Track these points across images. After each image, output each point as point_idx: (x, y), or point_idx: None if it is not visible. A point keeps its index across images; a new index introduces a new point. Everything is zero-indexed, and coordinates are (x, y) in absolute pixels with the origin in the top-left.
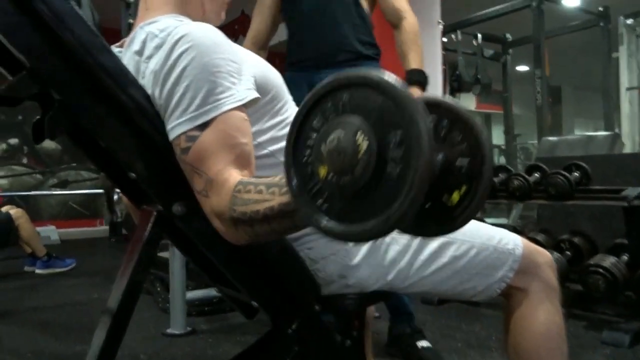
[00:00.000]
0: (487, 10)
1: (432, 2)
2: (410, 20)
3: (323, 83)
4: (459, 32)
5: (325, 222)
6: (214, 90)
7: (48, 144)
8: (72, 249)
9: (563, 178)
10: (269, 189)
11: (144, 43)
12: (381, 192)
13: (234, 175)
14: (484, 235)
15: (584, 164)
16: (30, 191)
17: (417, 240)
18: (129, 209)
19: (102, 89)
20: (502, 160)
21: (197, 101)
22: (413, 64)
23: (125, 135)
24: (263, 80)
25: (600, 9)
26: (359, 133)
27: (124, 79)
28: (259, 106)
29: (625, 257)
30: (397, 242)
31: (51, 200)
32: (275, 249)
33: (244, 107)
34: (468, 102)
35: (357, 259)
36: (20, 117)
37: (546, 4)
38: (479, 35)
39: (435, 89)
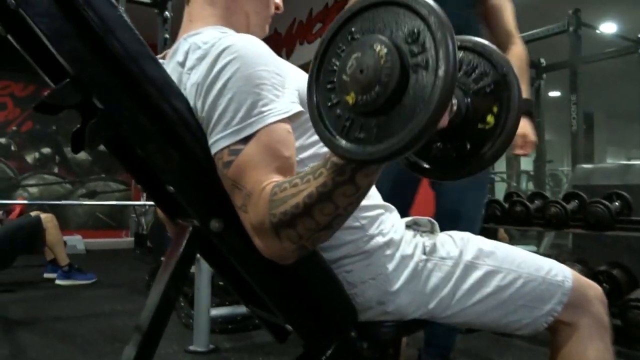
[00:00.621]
0: (522, 34)
1: None
2: (519, 46)
3: (331, 24)
4: None
5: (343, 144)
6: (257, 103)
7: (79, 154)
8: (97, 259)
9: (603, 207)
10: (303, 179)
11: (186, 54)
12: (406, 105)
13: (271, 183)
14: (532, 265)
15: (625, 194)
16: (59, 200)
17: (460, 268)
18: (163, 221)
19: (146, 98)
20: (530, 186)
21: (240, 114)
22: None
23: (166, 147)
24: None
25: (639, 36)
26: (376, 45)
27: (169, 89)
28: (301, 121)
29: None
30: (439, 269)
31: (79, 210)
32: (313, 271)
33: (288, 120)
34: None
35: (398, 285)
36: (54, 128)
37: (584, 30)
38: None
39: None
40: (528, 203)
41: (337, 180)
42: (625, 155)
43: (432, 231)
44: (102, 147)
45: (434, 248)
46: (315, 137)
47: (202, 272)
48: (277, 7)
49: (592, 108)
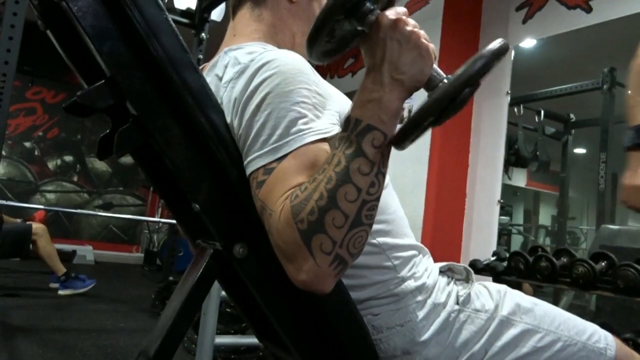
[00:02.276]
0: (553, 88)
1: (503, 73)
2: None
3: None
4: (521, 106)
5: None
6: (297, 121)
7: (99, 165)
8: (105, 272)
9: (635, 272)
10: (320, 170)
11: (225, 67)
12: None
13: (289, 193)
14: (573, 328)
15: None
16: (75, 209)
17: (495, 323)
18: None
19: (182, 108)
20: (547, 241)
21: (278, 131)
22: None
23: (198, 162)
24: None
25: None
26: None
27: (207, 101)
28: None
29: None
30: (472, 321)
31: (93, 221)
32: (338, 309)
33: (326, 142)
34: (519, 178)
35: (427, 334)
36: (79, 137)
37: (617, 88)
38: (542, 112)
39: (499, 158)
40: (554, 259)
41: (348, 154)
42: None
43: (467, 280)
44: (123, 160)
45: (468, 298)
46: None
47: (211, 296)
48: None
49: (618, 169)
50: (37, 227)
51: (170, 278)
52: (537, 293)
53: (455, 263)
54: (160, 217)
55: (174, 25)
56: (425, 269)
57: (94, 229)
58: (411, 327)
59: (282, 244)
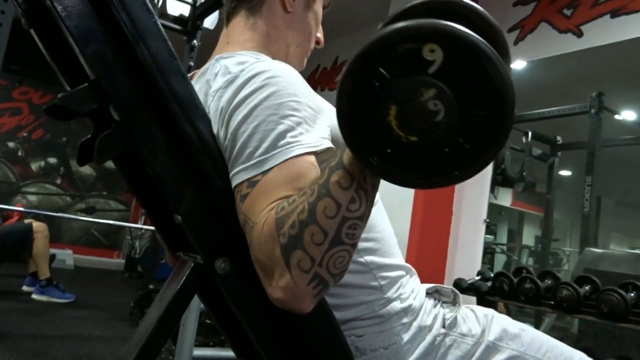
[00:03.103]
0: (542, 110)
1: None
2: None
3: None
4: None
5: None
6: (286, 134)
7: (84, 168)
8: (84, 277)
9: (619, 297)
10: (312, 184)
11: (215, 75)
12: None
13: (277, 202)
14: (560, 356)
15: None
16: (57, 212)
17: (481, 348)
18: (166, 253)
19: (168, 116)
20: (530, 262)
21: (265, 144)
22: None
23: (182, 173)
24: (339, 133)
25: None
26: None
27: (194, 110)
28: None
29: None
30: (458, 346)
31: (74, 225)
32: (321, 328)
33: (316, 156)
34: (504, 198)
35: (411, 358)
36: (64, 139)
37: (605, 113)
38: (530, 133)
39: (486, 177)
40: (539, 281)
41: (331, 166)
42: (629, 243)
43: (454, 302)
44: (108, 164)
45: (454, 322)
46: None
47: (191, 307)
48: (317, 42)
49: (601, 192)
50: (37, 225)
51: (151, 286)
52: (518, 314)
53: (443, 285)
54: (144, 224)
55: (163, 30)
56: (412, 290)
57: (75, 232)
58: (395, 350)
59: (262, 257)
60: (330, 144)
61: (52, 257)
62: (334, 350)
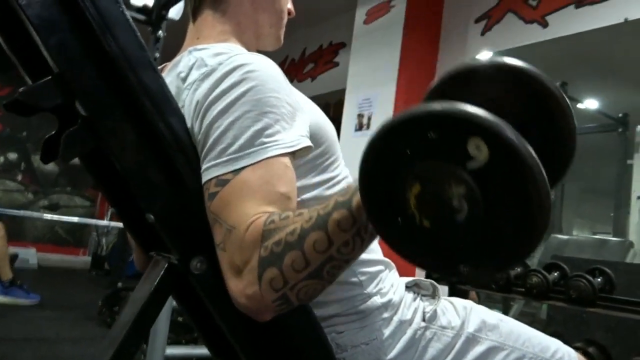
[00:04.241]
0: None
1: None
2: None
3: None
4: None
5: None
6: (262, 132)
7: (47, 164)
8: (49, 277)
9: (587, 283)
10: (310, 209)
11: (190, 69)
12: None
13: (265, 214)
14: (537, 345)
15: (608, 270)
16: (18, 210)
17: (461, 340)
18: (134, 252)
19: (138, 111)
20: None
21: (240, 141)
22: None
23: (154, 170)
24: (317, 130)
25: (620, 115)
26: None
27: (166, 104)
28: (308, 158)
29: None
30: (439, 339)
31: (37, 222)
32: (301, 327)
33: (291, 156)
34: None
35: (392, 353)
36: (24, 134)
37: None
38: None
39: None
40: None
41: (339, 202)
42: (590, 228)
43: (433, 295)
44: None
45: (434, 315)
46: (321, 178)
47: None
48: (289, 13)
49: (565, 180)
50: None
51: (119, 284)
52: (487, 300)
53: (422, 278)
54: (110, 220)
55: (131, 20)
56: (391, 285)
57: (38, 230)
58: (377, 345)
59: (238, 261)
60: (308, 142)
61: (15, 257)
62: (314, 348)
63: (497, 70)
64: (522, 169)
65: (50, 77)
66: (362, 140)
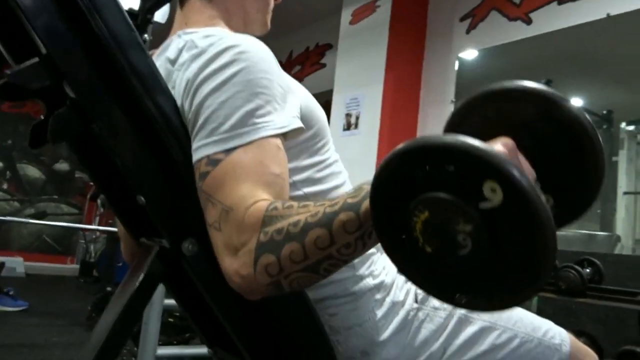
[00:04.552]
0: None
1: (447, 82)
2: None
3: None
4: None
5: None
6: (254, 112)
7: (32, 172)
8: (37, 285)
9: (575, 273)
10: (317, 203)
11: (180, 51)
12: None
13: (267, 200)
14: (529, 325)
15: (597, 261)
16: (4, 217)
17: (454, 321)
18: (122, 244)
19: (127, 92)
20: None
21: (231, 121)
22: None
23: (144, 151)
24: (308, 113)
25: (604, 112)
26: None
27: (155, 85)
28: (299, 141)
29: None
30: (431, 320)
31: (24, 230)
32: (294, 309)
33: (283, 137)
34: None
35: (385, 334)
36: (9, 142)
37: None
38: None
39: None
40: None
41: (347, 203)
42: (578, 226)
43: None
44: (58, 167)
45: (426, 296)
46: (312, 160)
47: (153, 305)
48: None
49: None
50: None
51: (108, 289)
52: None
53: None
54: (99, 225)
55: (119, 1)
56: (383, 267)
57: (25, 239)
58: (370, 326)
59: (236, 241)
60: (300, 124)
61: (1, 266)
62: (307, 331)
63: (529, 95)
64: (533, 220)
65: (37, 59)
66: (350, 140)
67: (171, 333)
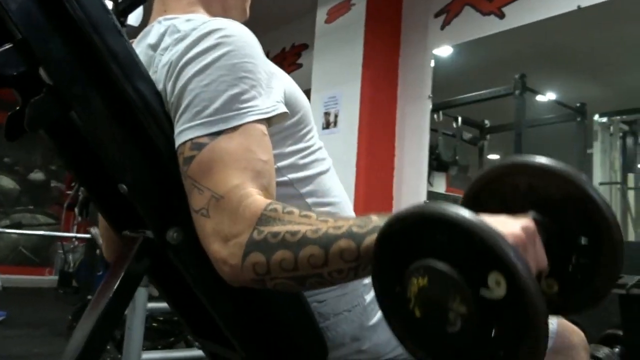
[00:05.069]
0: (469, 94)
1: (424, 78)
2: None
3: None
4: (440, 112)
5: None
6: (238, 97)
7: (6, 182)
8: (14, 297)
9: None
10: (319, 216)
11: (162, 36)
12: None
13: (259, 195)
14: None
15: None
16: None
17: None
18: (102, 238)
19: (106, 76)
20: None
21: (215, 105)
22: None
23: (124, 137)
24: (292, 99)
25: (578, 104)
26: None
27: (134, 68)
28: (283, 127)
29: (618, 349)
30: None
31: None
32: (283, 296)
33: (266, 122)
34: (439, 184)
35: (375, 318)
36: None
37: (528, 94)
38: (459, 119)
39: (424, 159)
40: None
41: (351, 231)
42: None
43: None
44: (33, 176)
45: None
46: (296, 147)
47: (137, 309)
48: None
49: None
50: None
51: (89, 297)
52: None
53: None
54: (77, 233)
55: None
56: None
57: (1, 251)
58: (359, 311)
59: (227, 230)
60: (284, 109)
61: None
62: (296, 318)
63: (554, 176)
64: (528, 324)
65: (11, 44)
66: (330, 139)
67: (155, 338)
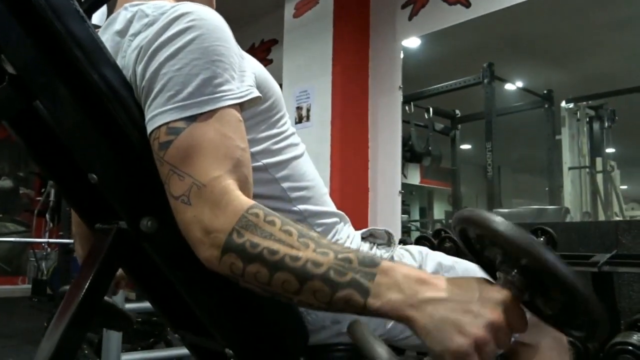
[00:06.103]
0: (439, 85)
1: (394, 69)
2: None
3: None
4: (412, 104)
5: None
6: (211, 81)
7: None
8: None
9: None
10: (301, 237)
11: (129, 22)
12: None
13: (238, 191)
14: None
15: (550, 229)
16: None
17: None
18: (75, 237)
19: (70, 64)
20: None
21: (189, 89)
22: None
23: (92, 126)
24: (264, 83)
25: (545, 91)
26: None
27: (99, 55)
28: (256, 112)
29: None
30: None
31: None
32: None
33: (240, 108)
34: (413, 176)
35: None
36: None
37: (496, 82)
38: (431, 109)
39: (397, 150)
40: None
41: (330, 277)
42: (527, 200)
43: (388, 243)
44: (1, 184)
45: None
46: (269, 132)
47: None
48: None
49: (499, 163)
50: None
51: None
52: None
53: (376, 227)
54: (49, 238)
55: None
56: (347, 236)
57: None
58: None
59: (207, 220)
60: (257, 93)
61: None
62: (275, 303)
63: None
64: None
65: None
66: (303, 132)
67: (135, 339)
